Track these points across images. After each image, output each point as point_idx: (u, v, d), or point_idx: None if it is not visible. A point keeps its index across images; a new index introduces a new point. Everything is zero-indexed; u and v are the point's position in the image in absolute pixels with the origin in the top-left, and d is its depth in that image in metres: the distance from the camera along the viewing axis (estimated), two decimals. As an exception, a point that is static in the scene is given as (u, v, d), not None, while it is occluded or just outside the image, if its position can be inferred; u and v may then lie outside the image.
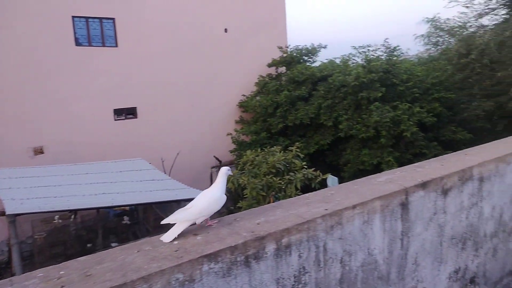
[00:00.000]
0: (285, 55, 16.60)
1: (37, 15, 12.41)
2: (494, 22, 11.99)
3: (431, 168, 2.96)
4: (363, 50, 14.88)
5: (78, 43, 13.50)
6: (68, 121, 13.04)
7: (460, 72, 12.37)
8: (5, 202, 8.15)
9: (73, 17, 13.26)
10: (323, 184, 7.90)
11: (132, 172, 11.18)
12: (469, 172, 2.94)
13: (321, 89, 14.31)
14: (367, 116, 12.61)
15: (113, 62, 13.86)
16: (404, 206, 2.54)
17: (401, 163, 10.71)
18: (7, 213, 7.76)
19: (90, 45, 13.69)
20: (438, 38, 14.29)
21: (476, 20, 12.13)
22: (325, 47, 16.88)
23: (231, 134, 15.02)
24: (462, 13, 12.82)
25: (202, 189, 2.13)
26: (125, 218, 12.05)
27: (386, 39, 14.67)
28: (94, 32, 13.72)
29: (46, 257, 10.30)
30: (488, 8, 11.68)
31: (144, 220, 12.21)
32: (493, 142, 3.82)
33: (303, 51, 16.72)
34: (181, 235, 1.85)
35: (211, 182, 10.61)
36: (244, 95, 16.70)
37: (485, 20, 12.06)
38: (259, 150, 9.01)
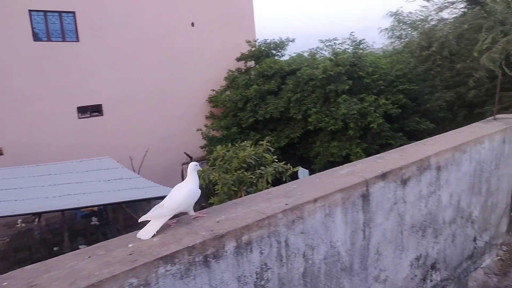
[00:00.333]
0: (253, 49, 16.54)
1: (-10, 9, 11.72)
2: (453, 16, 12.41)
3: (391, 159, 3.02)
4: (330, 43, 15.06)
5: (36, 38, 12.86)
6: (28, 120, 12.44)
7: (422, 64, 12.75)
8: (-39, 208, 7.70)
9: (30, 10, 12.61)
10: (294, 177, 7.97)
11: (99, 172, 10.85)
12: (427, 162, 3.03)
13: (290, 83, 14.38)
14: (335, 108, 12.79)
15: (74, 58, 13.31)
16: (365, 197, 2.58)
17: (369, 154, 10.94)
18: (-37, 219, 7.34)
19: (49, 40, 13.08)
20: (401, 32, 14.63)
21: (437, 13, 12.49)
22: (293, 40, 16.95)
23: (201, 129, 14.85)
24: (423, 7, 13.19)
25: (173, 187, 2.11)
26: (94, 219, 11.72)
27: (352, 32, 14.93)
28: (53, 26, 13.11)
29: (10, 263, 9.87)
30: (448, 2, 12.05)
31: (114, 220, 11.92)
32: (450, 132, 3.95)
33: (272, 45, 16.72)
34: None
35: (182, 179, 10.46)
36: (213, 90, 16.54)
37: (445, 14, 12.46)
38: (229, 145, 8.94)
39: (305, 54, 16.41)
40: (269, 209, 2.11)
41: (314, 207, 2.25)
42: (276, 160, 8.04)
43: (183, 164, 15.40)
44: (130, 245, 1.72)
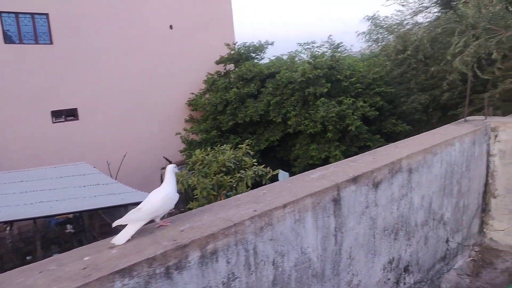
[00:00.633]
0: (232, 52, 16.50)
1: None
2: (427, 20, 12.71)
3: (363, 162, 3.01)
4: (308, 47, 15.19)
5: (8, 40, 12.46)
6: (-1, 125, 12.03)
7: (398, 67, 13.02)
8: None
9: (1, 12, 12.21)
10: (275, 180, 7.93)
11: (75, 178, 10.54)
12: (398, 164, 3.04)
13: (270, 86, 14.40)
14: (314, 111, 12.88)
15: (48, 61, 12.95)
16: (337, 201, 2.55)
17: (347, 156, 10.97)
18: None
19: (21, 43, 12.70)
20: (378, 35, 14.93)
21: (412, 17, 12.78)
22: (272, 44, 17.00)
23: (180, 133, 14.67)
24: (398, 11, 13.52)
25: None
26: (69, 226, 11.37)
27: (330, 35, 15.12)
28: (26, 28, 12.73)
29: (-20, 273, 9.45)
30: (422, 6, 12.32)
31: (90, 227, 11.60)
32: (422, 134, 3.99)
33: (251, 48, 16.72)
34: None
35: (161, 184, 10.29)
36: (192, 93, 16.39)
37: (419, 18, 12.76)
38: (209, 149, 8.85)
39: (284, 57, 16.50)
40: (236, 216, 2.05)
41: (284, 213, 2.21)
42: (256, 164, 8.00)
43: (162, 169, 15.15)
44: (86, 258, 1.63)
